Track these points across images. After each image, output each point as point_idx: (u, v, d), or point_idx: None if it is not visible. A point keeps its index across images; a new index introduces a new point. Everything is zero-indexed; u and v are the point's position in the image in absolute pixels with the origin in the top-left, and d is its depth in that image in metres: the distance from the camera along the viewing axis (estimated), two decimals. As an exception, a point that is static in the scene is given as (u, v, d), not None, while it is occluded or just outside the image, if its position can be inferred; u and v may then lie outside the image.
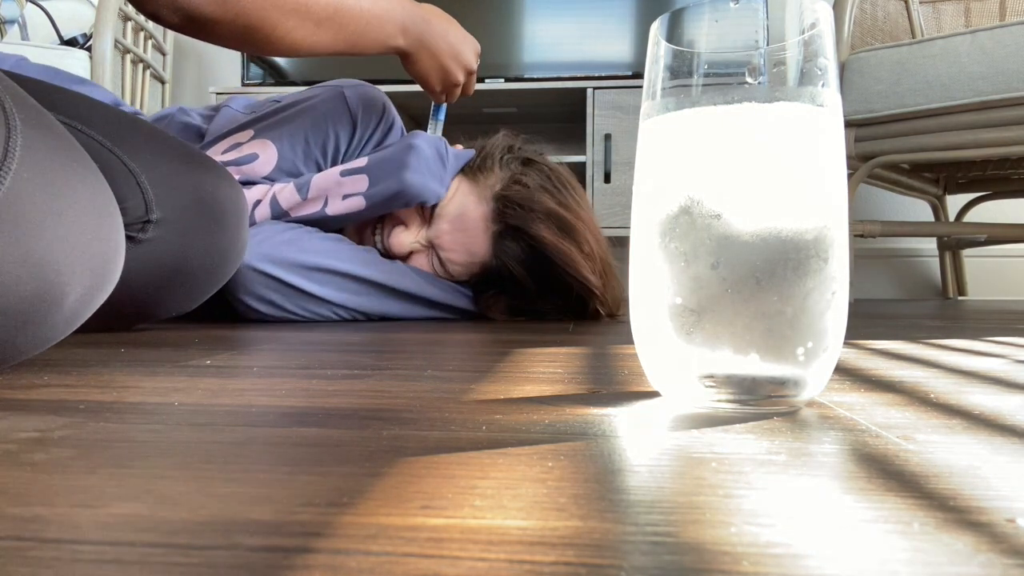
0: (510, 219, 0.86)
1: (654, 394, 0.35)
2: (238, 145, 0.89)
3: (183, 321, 0.85)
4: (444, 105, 1.01)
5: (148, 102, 1.91)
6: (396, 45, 0.83)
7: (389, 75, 1.82)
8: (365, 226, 0.94)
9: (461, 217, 0.88)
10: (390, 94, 1.00)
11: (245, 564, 0.15)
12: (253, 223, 0.85)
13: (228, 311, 0.86)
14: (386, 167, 0.87)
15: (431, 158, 0.88)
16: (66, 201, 0.40)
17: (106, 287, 0.44)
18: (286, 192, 0.87)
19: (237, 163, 0.88)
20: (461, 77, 0.92)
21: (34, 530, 0.17)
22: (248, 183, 0.88)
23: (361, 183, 0.87)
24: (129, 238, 0.61)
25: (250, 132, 0.90)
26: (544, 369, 0.44)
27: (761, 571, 0.15)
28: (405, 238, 0.90)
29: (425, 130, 1.00)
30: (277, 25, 0.69)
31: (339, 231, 0.94)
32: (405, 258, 0.92)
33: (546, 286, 0.88)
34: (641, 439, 0.26)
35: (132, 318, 0.69)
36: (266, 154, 0.89)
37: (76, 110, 0.65)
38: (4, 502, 0.18)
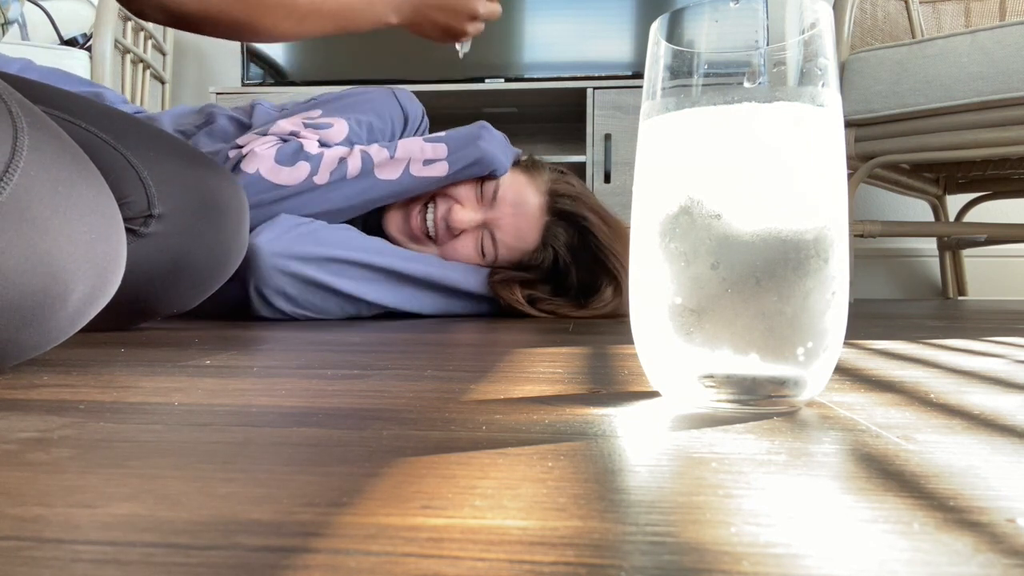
0: (565, 206, 0.98)
1: (654, 394, 0.35)
2: (311, 118, 0.96)
3: (183, 321, 0.85)
4: None
5: (148, 102, 1.91)
6: (389, 22, 0.87)
7: (403, 75, 1.82)
8: (414, 205, 0.99)
9: (522, 204, 0.97)
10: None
11: (245, 564, 0.15)
12: (343, 176, 0.90)
13: (232, 310, 0.86)
14: (464, 138, 0.96)
15: (500, 138, 1.00)
16: (71, 201, 0.40)
17: (108, 288, 0.44)
18: (374, 148, 0.94)
19: (317, 127, 0.94)
20: (467, 26, 0.95)
21: (34, 530, 0.17)
22: (326, 145, 0.94)
23: (441, 150, 0.95)
24: (131, 232, 0.61)
25: (318, 111, 0.97)
26: (544, 369, 0.44)
27: (761, 571, 0.15)
28: (465, 216, 0.96)
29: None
30: (260, 20, 0.73)
31: (379, 215, 1.00)
32: (455, 236, 0.97)
33: (585, 270, 0.98)
34: (641, 439, 0.26)
35: (134, 314, 0.69)
36: (339, 126, 0.96)
37: (80, 109, 0.65)
38: (4, 502, 0.18)
